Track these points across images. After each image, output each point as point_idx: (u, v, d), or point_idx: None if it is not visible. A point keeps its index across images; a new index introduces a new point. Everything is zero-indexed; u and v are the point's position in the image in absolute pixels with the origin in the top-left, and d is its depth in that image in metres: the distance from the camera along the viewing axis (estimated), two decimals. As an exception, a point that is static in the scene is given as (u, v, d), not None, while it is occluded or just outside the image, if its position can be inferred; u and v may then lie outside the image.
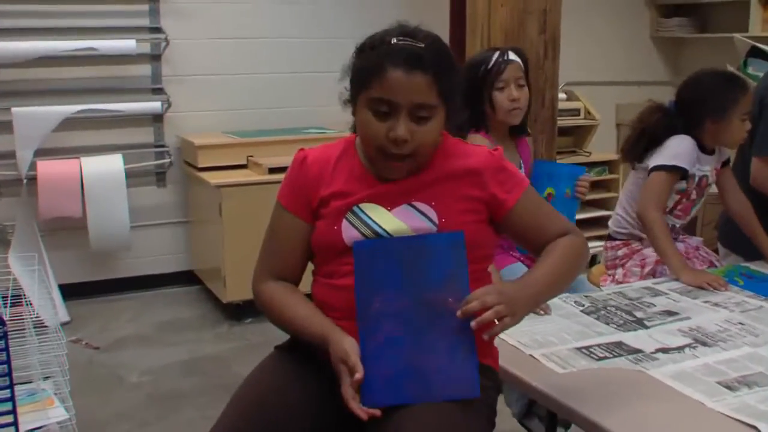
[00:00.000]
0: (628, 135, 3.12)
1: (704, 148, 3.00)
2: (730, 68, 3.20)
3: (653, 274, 3.01)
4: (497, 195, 1.91)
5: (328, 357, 1.79)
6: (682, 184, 2.99)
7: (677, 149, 2.94)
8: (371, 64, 1.81)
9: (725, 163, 3.12)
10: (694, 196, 3.06)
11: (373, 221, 1.87)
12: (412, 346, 1.73)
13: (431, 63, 1.79)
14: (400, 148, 1.81)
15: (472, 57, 3.02)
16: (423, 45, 1.81)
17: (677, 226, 3.13)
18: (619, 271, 3.14)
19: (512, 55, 2.89)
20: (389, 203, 1.88)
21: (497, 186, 1.91)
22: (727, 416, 1.77)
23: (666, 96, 3.17)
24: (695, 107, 2.95)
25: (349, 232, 1.87)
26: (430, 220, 1.86)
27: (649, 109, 3.09)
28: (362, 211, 1.88)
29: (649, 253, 3.06)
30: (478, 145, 2.13)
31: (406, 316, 1.74)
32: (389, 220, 1.87)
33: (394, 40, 1.81)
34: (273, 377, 1.89)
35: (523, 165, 2.99)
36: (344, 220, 1.88)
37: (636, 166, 3.10)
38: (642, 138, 3.05)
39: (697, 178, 3.01)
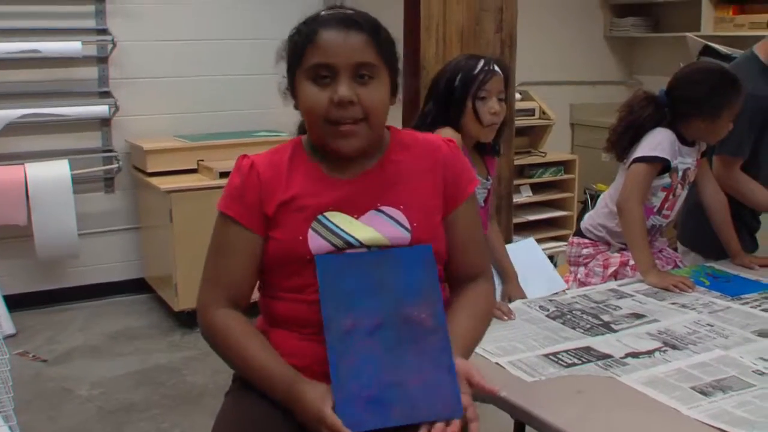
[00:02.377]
0: (614, 125, 3.02)
1: (684, 140, 2.93)
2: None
3: (615, 276, 2.96)
4: (450, 189, 1.84)
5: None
6: (666, 179, 2.92)
7: (657, 140, 2.87)
8: (303, 36, 1.75)
9: (704, 154, 3.05)
10: (679, 191, 2.99)
11: (343, 230, 1.75)
12: (390, 364, 1.62)
13: (365, 24, 1.74)
14: (347, 111, 1.71)
15: (451, 62, 2.88)
16: (353, 11, 1.77)
17: (663, 226, 3.07)
18: (581, 269, 3.09)
19: (496, 66, 2.75)
20: (355, 211, 1.77)
21: (452, 179, 1.84)
22: (705, 423, 1.72)
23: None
24: (689, 104, 2.87)
25: (316, 242, 1.74)
26: (402, 225, 1.77)
27: (639, 99, 2.99)
28: (328, 220, 1.76)
29: (614, 254, 3.02)
30: (432, 133, 2.06)
31: (381, 333, 1.64)
32: (360, 229, 1.76)
33: (323, 13, 1.77)
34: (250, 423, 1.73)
35: (489, 174, 2.89)
36: (310, 230, 1.75)
37: (621, 165, 3.02)
38: (629, 129, 2.96)
39: (680, 172, 2.94)
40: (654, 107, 2.93)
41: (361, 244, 1.75)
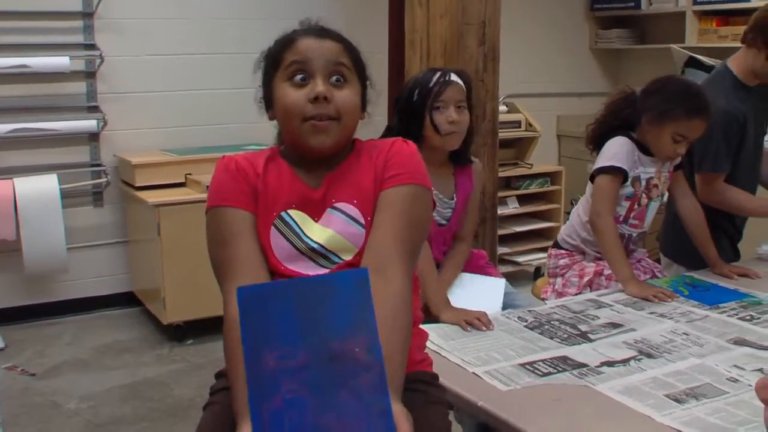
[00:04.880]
0: (595, 119, 3.07)
1: (645, 150, 2.95)
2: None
3: (590, 285, 2.98)
4: (378, 177, 1.82)
5: None
6: (629, 189, 2.94)
7: (613, 151, 2.91)
8: (281, 43, 1.86)
9: (678, 167, 3.07)
10: (645, 200, 3.00)
11: (302, 231, 1.81)
12: (317, 407, 1.44)
13: (339, 36, 1.87)
14: (323, 108, 1.78)
15: (413, 77, 2.94)
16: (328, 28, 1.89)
17: (634, 235, 3.08)
18: (559, 280, 3.11)
19: (454, 77, 2.79)
20: (315, 213, 1.83)
21: (382, 168, 1.83)
22: (678, 430, 1.74)
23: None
24: (643, 97, 2.92)
25: (278, 241, 1.80)
26: (356, 221, 1.81)
27: (620, 92, 3.06)
28: (291, 218, 1.82)
29: (589, 263, 3.05)
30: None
31: (308, 372, 1.45)
32: (318, 231, 1.81)
33: (299, 27, 1.89)
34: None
35: (456, 194, 2.88)
36: (272, 228, 1.81)
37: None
38: (605, 120, 3.02)
39: (643, 182, 2.97)
40: (628, 98, 2.99)
41: (322, 247, 1.81)
